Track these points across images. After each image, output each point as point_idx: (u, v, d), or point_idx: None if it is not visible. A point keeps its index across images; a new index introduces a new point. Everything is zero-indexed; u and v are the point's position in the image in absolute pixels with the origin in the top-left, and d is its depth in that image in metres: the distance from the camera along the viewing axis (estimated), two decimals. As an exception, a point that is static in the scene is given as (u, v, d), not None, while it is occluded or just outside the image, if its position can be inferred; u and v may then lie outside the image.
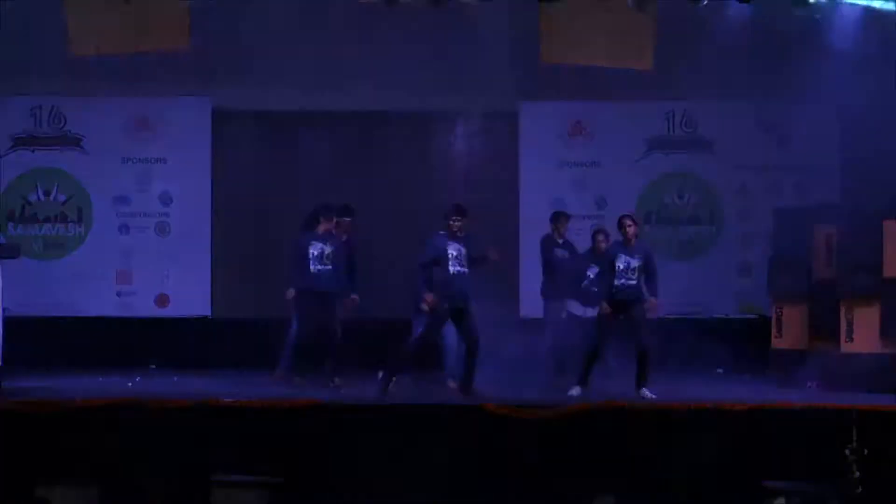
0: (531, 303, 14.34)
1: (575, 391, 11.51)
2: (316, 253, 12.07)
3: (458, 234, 11.43)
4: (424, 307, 11.32)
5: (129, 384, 12.41)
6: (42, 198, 14.91)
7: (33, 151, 14.86)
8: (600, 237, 12.79)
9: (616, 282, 11.62)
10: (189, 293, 14.88)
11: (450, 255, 11.36)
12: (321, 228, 12.18)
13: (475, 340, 11.42)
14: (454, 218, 11.41)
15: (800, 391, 11.89)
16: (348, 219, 12.64)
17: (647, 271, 11.67)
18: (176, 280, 14.89)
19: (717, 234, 15.12)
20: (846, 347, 12.15)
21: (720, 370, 13.79)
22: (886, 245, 12.06)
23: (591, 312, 12.40)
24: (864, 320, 12.09)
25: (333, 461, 10.36)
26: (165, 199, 14.94)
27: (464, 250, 11.41)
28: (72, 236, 14.93)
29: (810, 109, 14.37)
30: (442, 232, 11.50)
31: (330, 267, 12.10)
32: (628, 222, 11.69)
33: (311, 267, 12.06)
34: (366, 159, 14.96)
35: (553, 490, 10.16)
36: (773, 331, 13.15)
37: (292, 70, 14.34)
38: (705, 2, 12.36)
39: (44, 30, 13.31)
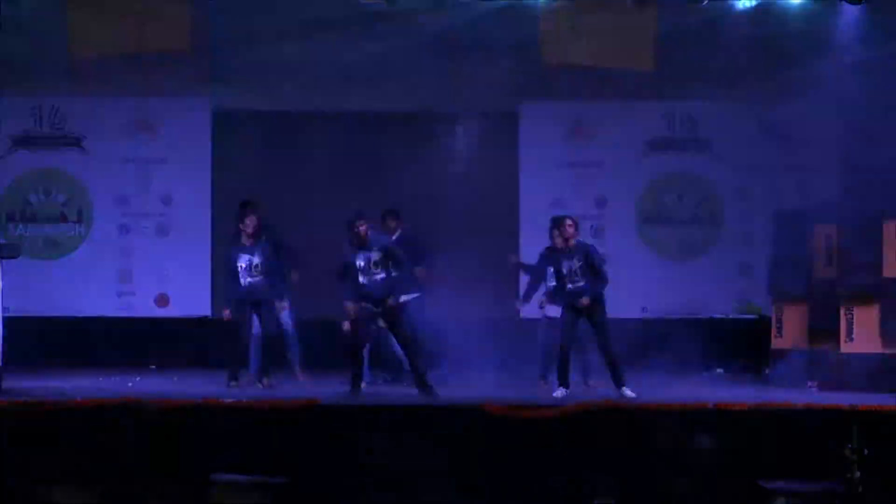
0: (531, 303, 14.32)
1: (559, 392, 11.50)
2: (244, 265, 12.11)
3: (359, 241, 11.41)
4: (348, 315, 11.40)
5: (129, 384, 12.41)
6: (42, 198, 14.92)
7: (33, 151, 14.87)
8: (555, 233, 12.57)
9: (568, 286, 11.61)
10: (189, 293, 14.89)
11: (358, 266, 11.41)
12: (245, 240, 12.22)
13: (406, 342, 11.53)
14: (357, 224, 11.38)
15: (800, 391, 11.89)
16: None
17: (592, 271, 11.59)
18: (176, 280, 14.90)
19: (717, 234, 15.12)
20: (846, 347, 12.14)
21: (720, 370, 13.79)
22: (886, 245, 12.05)
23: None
24: (864, 320, 12.08)
25: (333, 461, 10.36)
26: (165, 199, 14.95)
27: (373, 257, 11.41)
28: (72, 236, 14.94)
29: (810, 109, 14.36)
30: (349, 243, 11.52)
31: (259, 278, 12.12)
32: (568, 222, 11.66)
33: (242, 279, 12.11)
34: (366, 159, 14.96)
35: (553, 490, 10.16)
36: (773, 331, 13.14)
37: (292, 70, 14.35)
38: (705, 2, 12.37)
39: (44, 30, 13.33)
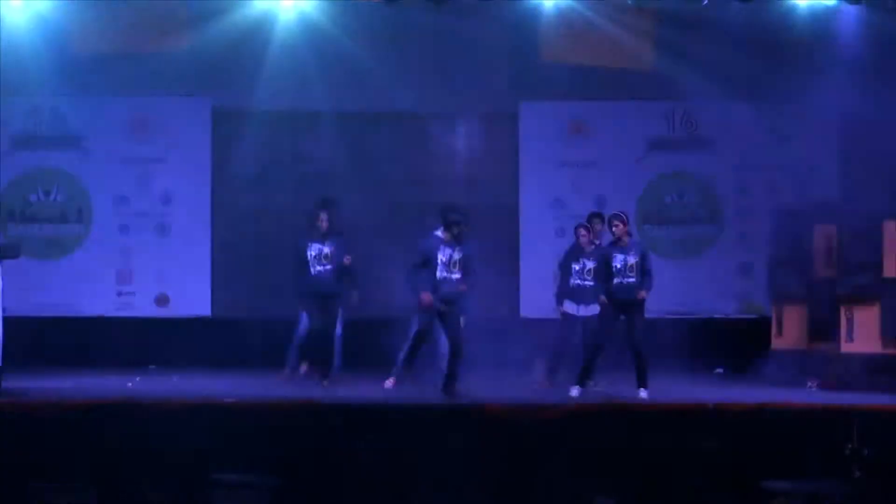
0: (531, 303, 14.35)
1: (574, 391, 11.50)
2: (314, 254, 12.10)
3: (454, 238, 11.42)
4: (421, 306, 11.35)
5: (129, 384, 12.41)
6: (42, 198, 14.91)
7: (33, 151, 14.86)
8: (581, 231, 12.60)
9: (614, 280, 11.61)
10: (189, 293, 14.89)
11: (440, 260, 11.39)
12: (316, 233, 12.21)
13: (458, 343, 11.48)
14: (452, 221, 11.40)
15: (800, 391, 11.89)
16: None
17: (644, 269, 11.64)
18: (176, 280, 14.90)
19: (718, 234, 15.11)
20: (846, 347, 12.15)
21: (720, 370, 13.79)
22: (886, 245, 12.06)
23: (583, 311, 12.32)
24: (864, 320, 12.09)
25: (333, 461, 10.36)
26: (165, 199, 14.94)
27: (455, 255, 11.42)
28: (72, 236, 14.93)
29: (810, 109, 14.36)
30: (438, 234, 11.51)
31: (329, 268, 12.13)
32: (616, 222, 11.68)
33: (312, 269, 12.10)
34: (366, 159, 14.95)
35: (553, 490, 10.16)
36: (773, 331, 13.15)
37: (292, 70, 14.33)
38: (705, 1, 12.35)
39: (44, 30, 13.32)
